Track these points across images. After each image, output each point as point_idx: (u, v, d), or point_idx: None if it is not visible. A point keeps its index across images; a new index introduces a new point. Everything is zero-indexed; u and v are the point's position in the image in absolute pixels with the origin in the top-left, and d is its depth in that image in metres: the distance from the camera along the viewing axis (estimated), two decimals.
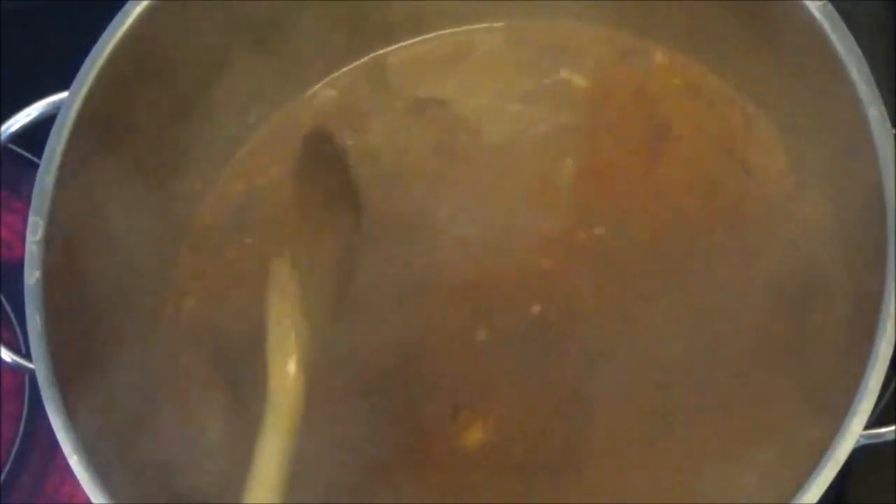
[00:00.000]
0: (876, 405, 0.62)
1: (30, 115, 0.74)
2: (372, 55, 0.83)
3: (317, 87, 0.83)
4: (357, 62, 0.83)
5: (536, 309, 0.75)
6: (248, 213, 0.81)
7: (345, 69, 0.83)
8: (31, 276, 0.69)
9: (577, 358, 0.74)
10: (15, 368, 0.71)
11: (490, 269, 0.77)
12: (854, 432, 0.61)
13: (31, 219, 0.70)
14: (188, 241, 0.81)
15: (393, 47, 0.83)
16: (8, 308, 0.86)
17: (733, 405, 0.72)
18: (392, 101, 0.82)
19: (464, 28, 0.83)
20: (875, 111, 0.67)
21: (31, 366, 0.68)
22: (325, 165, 0.75)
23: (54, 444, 0.66)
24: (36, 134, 0.74)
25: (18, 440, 0.85)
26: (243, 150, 0.83)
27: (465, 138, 0.81)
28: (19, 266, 0.69)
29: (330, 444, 0.72)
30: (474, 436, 0.73)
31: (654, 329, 0.74)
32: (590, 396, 0.73)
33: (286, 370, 0.66)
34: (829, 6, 0.70)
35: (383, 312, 0.76)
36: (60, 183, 0.71)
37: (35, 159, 0.74)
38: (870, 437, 0.63)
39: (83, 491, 0.65)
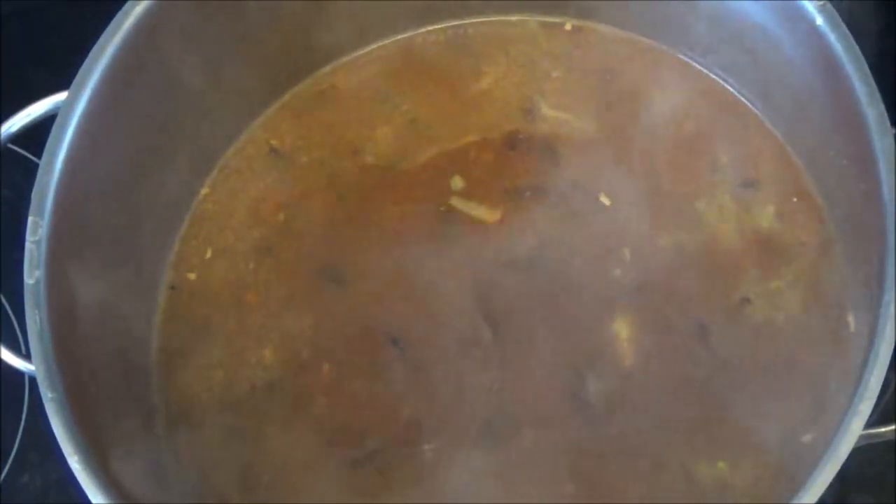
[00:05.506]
0: (876, 405, 0.62)
1: (30, 115, 0.74)
2: None
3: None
4: None
5: None
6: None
7: None
8: (31, 276, 0.69)
9: None
10: (15, 369, 0.71)
11: None
12: (854, 432, 0.61)
13: (31, 219, 0.70)
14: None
15: None
16: (8, 308, 0.86)
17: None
18: None
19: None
20: (875, 111, 0.67)
21: (31, 366, 0.68)
22: None
23: (54, 444, 0.66)
24: (36, 134, 0.74)
25: (18, 440, 0.85)
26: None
27: None
28: (19, 266, 0.69)
29: None
30: None
31: None
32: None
33: None
34: (829, 6, 0.70)
35: None
36: (60, 183, 0.71)
37: (35, 159, 0.74)
38: (870, 436, 0.63)
39: (83, 491, 0.65)
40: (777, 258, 0.76)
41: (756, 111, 0.80)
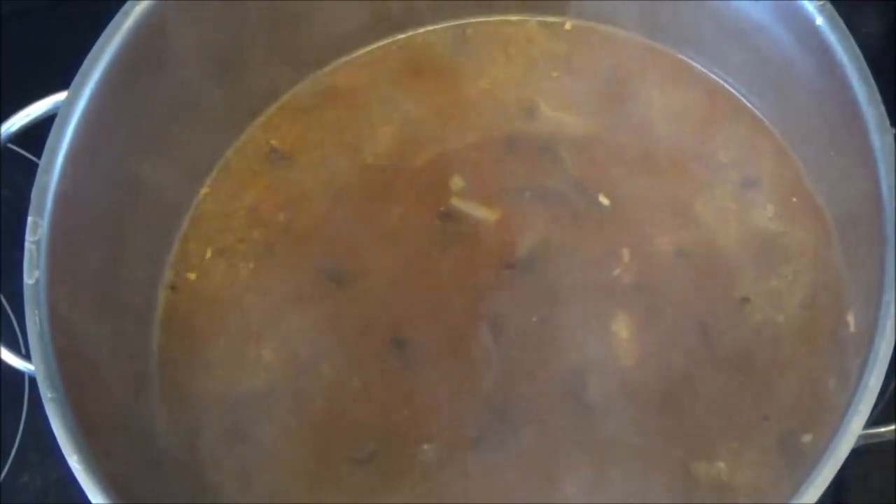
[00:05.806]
0: (876, 405, 0.62)
1: (30, 115, 0.74)
2: None
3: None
4: None
5: None
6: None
7: None
8: (31, 276, 0.69)
9: None
10: (15, 369, 0.71)
11: None
12: (854, 432, 0.61)
13: (31, 219, 0.70)
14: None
15: None
16: (8, 308, 0.86)
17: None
18: None
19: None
20: (875, 111, 0.67)
21: (31, 366, 0.68)
22: None
23: (54, 444, 0.66)
24: (36, 134, 0.74)
25: (18, 440, 0.85)
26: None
27: None
28: (19, 266, 0.69)
29: None
30: None
31: None
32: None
33: None
34: (829, 6, 0.70)
35: None
36: (60, 183, 0.71)
37: (35, 159, 0.74)
38: (870, 436, 0.63)
39: (83, 491, 0.65)
40: (777, 258, 0.76)
41: (756, 111, 0.80)
